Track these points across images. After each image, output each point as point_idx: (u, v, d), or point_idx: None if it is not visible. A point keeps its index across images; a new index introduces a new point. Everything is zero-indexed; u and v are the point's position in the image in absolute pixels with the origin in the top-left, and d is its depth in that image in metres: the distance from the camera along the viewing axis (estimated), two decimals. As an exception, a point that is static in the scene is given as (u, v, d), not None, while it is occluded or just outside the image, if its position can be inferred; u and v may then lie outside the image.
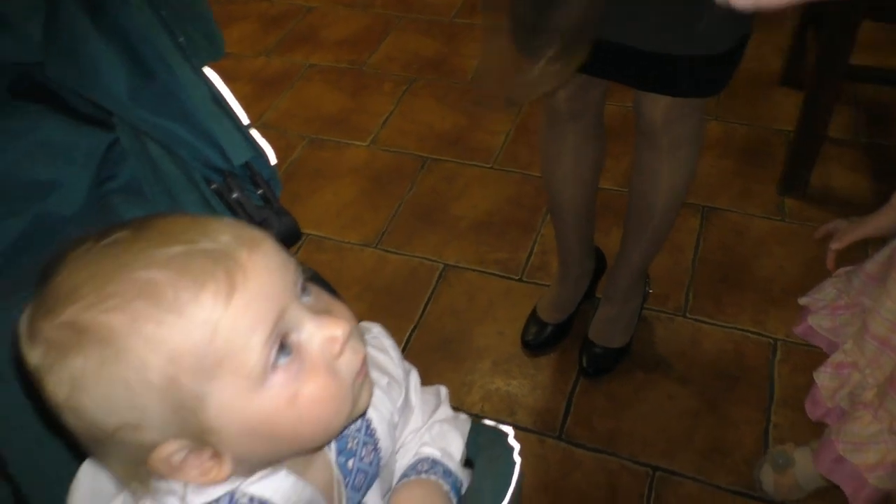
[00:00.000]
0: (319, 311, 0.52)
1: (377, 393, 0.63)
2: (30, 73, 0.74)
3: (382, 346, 0.68)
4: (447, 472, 0.63)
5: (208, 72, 0.70)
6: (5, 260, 0.73)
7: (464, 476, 0.65)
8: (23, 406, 0.68)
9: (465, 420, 0.71)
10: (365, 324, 0.70)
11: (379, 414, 0.63)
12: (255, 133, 0.72)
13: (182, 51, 0.68)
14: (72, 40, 0.69)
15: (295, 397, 0.49)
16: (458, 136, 2.21)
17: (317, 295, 0.55)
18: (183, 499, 0.52)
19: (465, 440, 0.68)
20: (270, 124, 2.30)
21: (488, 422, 0.72)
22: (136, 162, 0.77)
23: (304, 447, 0.54)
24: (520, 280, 1.78)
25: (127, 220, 0.55)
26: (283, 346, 0.49)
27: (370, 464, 0.62)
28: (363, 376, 0.54)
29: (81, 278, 0.48)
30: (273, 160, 0.74)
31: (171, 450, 0.48)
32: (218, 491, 0.52)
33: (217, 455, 0.50)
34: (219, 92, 0.70)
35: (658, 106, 1.20)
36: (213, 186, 0.73)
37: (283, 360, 0.49)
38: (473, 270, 1.82)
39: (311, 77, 2.50)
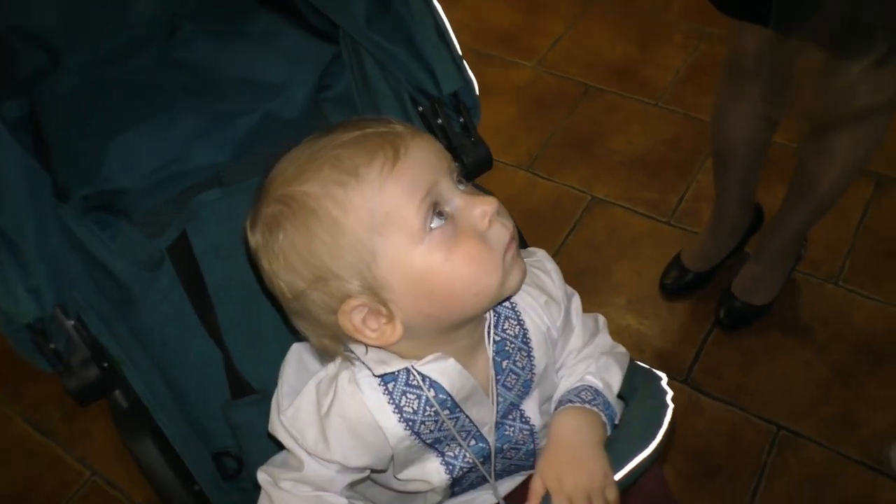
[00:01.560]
0: (470, 194, 0.61)
1: (535, 307, 0.70)
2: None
3: (545, 268, 0.75)
4: (606, 405, 0.69)
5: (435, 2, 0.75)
6: (240, 148, 0.84)
7: (618, 409, 0.71)
8: (240, 281, 0.81)
9: (624, 354, 0.76)
10: (531, 248, 0.76)
11: (535, 326, 0.70)
12: (465, 64, 0.77)
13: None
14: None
15: (450, 254, 0.58)
16: (627, 67, 2.16)
17: (470, 189, 0.64)
18: (370, 367, 0.62)
19: (624, 373, 0.73)
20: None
21: (642, 364, 0.77)
22: (351, 75, 0.84)
23: (462, 312, 0.61)
24: (667, 223, 1.78)
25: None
26: (439, 213, 0.58)
27: (522, 368, 0.69)
28: (512, 252, 0.61)
29: (286, 164, 0.62)
30: (476, 90, 0.79)
31: (355, 304, 0.59)
32: (396, 364, 0.62)
33: (391, 317, 0.60)
34: (443, 23, 0.75)
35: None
36: (420, 109, 0.80)
37: (437, 223, 0.58)
38: (620, 206, 1.82)
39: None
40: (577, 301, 0.76)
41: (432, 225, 0.58)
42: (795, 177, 1.38)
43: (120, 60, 0.77)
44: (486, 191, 0.76)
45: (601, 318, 0.79)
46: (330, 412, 0.62)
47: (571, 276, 1.76)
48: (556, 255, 1.75)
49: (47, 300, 0.65)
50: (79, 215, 0.73)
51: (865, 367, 1.48)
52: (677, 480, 1.37)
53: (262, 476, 0.67)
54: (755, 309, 1.55)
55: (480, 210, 0.59)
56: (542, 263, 0.74)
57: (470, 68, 0.77)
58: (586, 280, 1.70)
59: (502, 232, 0.60)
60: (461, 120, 0.78)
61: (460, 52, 0.77)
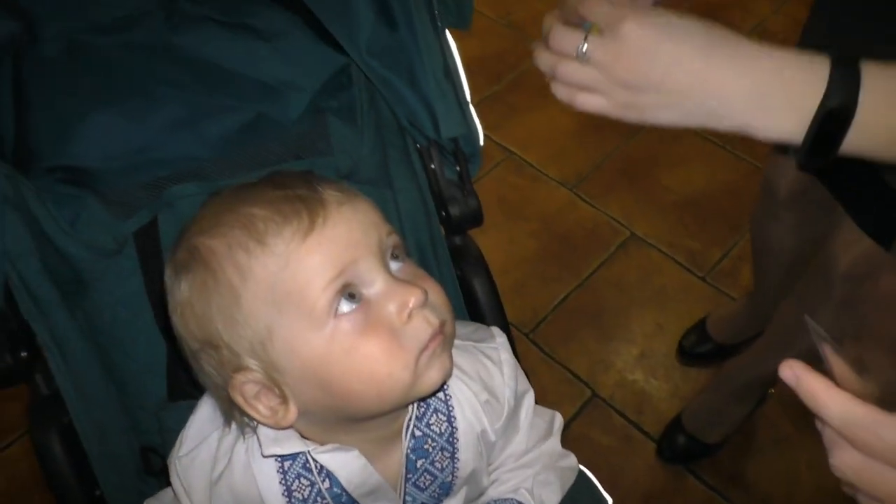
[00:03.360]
0: (401, 279, 0.53)
1: (474, 404, 0.62)
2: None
3: (497, 359, 0.66)
4: None
5: (448, 38, 0.68)
6: (225, 145, 0.78)
7: None
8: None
9: (571, 470, 0.69)
10: (493, 330, 0.69)
11: (468, 425, 0.63)
12: (472, 110, 0.70)
13: (431, 9, 0.66)
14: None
15: (351, 349, 0.51)
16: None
17: (411, 268, 0.56)
18: (261, 443, 0.57)
19: (565, 493, 0.66)
20: (515, 24, 2.23)
21: (595, 481, 0.70)
22: (358, 90, 0.77)
23: (364, 409, 0.55)
24: (703, 279, 1.66)
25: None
26: (352, 295, 0.51)
27: (442, 470, 0.63)
28: (433, 351, 0.53)
29: (208, 211, 0.56)
30: (481, 141, 0.71)
31: (245, 378, 0.53)
32: (291, 447, 0.56)
33: (284, 399, 0.54)
34: (452, 62, 0.68)
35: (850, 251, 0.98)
36: (418, 145, 0.73)
37: (346, 308, 0.51)
38: (658, 250, 1.72)
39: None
40: (529, 399, 0.68)
41: (341, 310, 0.51)
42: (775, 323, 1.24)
43: (110, 32, 0.72)
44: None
45: (558, 419, 0.71)
46: (220, 480, 0.58)
47: (589, 315, 1.68)
48: (579, 287, 1.66)
49: None
50: (38, 192, 0.69)
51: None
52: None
53: None
54: (705, 447, 1.38)
55: (398, 302, 0.51)
56: (496, 353, 0.66)
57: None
58: (603, 320, 1.61)
59: (422, 329, 0.52)
60: (457, 168, 0.71)
61: (468, 97, 0.69)
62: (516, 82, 2.03)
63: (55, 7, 0.66)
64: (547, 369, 1.52)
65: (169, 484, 0.82)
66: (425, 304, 0.52)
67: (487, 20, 2.20)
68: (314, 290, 0.50)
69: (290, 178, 0.55)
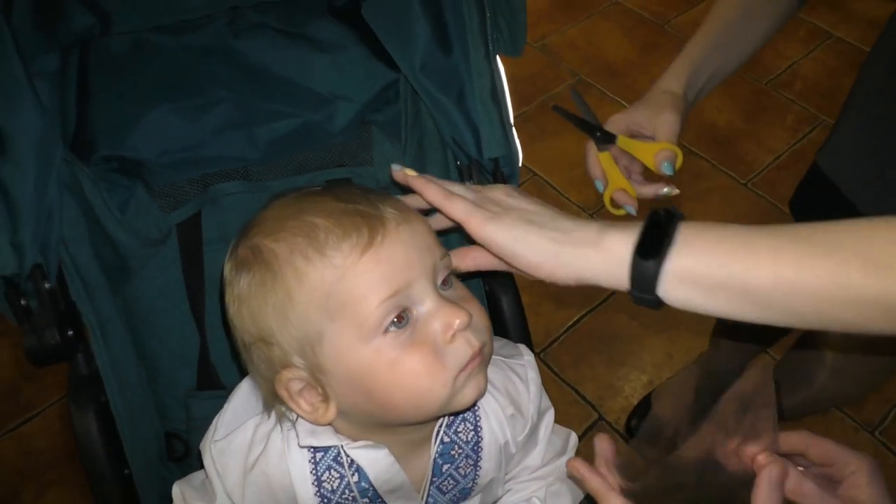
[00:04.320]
0: (450, 299, 0.55)
1: (500, 417, 0.65)
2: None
3: (525, 377, 0.69)
4: None
5: (499, 62, 0.71)
6: (272, 149, 0.81)
7: None
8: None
9: None
10: (520, 347, 0.71)
11: (493, 436, 0.65)
12: (514, 131, 0.72)
13: (484, 34, 0.69)
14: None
15: (395, 363, 0.53)
16: (727, 136, 2.04)
17: (459, 290, 0.58)
18: (298, 434, 0.60)
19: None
20: (549, 48, 2.27)
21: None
22: (404, 106, 0.80)
23: (401, 418, 0.57)
24: (716, 312, 1.68)
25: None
26: (402, 317, 0.53)
27: (464, 476, 0.65)
28: (470, 372, 0.55)
29: (272, 214, 0.58)
30: (520, 161, 0.74)
31: (292, 375, 0.56)
32: (327, 440, 0.59)
33: (326, 398, 0.56)
34: (500, 85, 0.70)
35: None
36: (458, 162, 0.75)
37: (394, 328, 0.53)
38: (674, 280, 1.73)
39: (609, 14, 2.40)
40: (549, 416, 0.70)
41: (389, 328, 0.53)
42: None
43: (174, 33, 0.75)
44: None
45: (573, 438, 0.73)
46: (255, 466, 0.60)
47: (601, 339, 1.70)
48: (592, 311, 1.69)
49: (28, 259, 0.65)
50: (94, 179, 0.72)
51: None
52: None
53: (176, 490, 0.66)
54: None
55: (444, 323, 0.54)
56: (523, 371, 0.68)
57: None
58: (614, 346, 1.63)
59: (464, 350, 0.54)
60: (496, 187, 0.74)
61: (512, 119, 0.72)
62: (546, 105, 2.06)
63: (131, 7, 0.69)
64: (556, 389, 1.54)
65: (189, 470, 0.85)
66: (469, 325, 0.54)
67: (520, 42, 2.25)
68: (368, 306, 0.52)
69: (353, 192, 0.58)
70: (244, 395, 0.66)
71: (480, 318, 0.57)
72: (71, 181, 0.71)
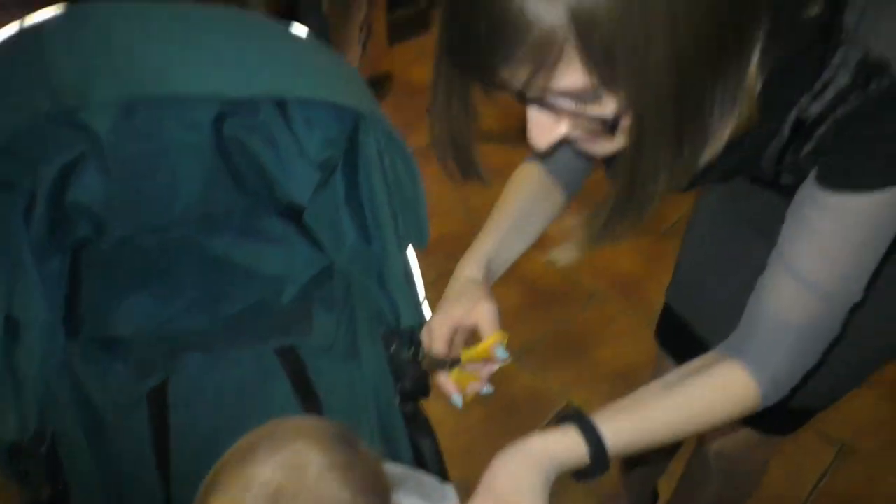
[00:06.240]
0: None
1: None
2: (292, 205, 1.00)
3: None
4: None
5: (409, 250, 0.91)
6: (229, 321, 0.99)
7: None
8: (199, 436, 0.92)
9: None
10: (448, 488, 0.82)
11: None
12: (426, 306, 0.92)
13: (396, 225, 0.89)
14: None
15: None
16: (633, 280, 2.30)
17: None
18: None
19: None
20: (472, 209, 2.54)
21: None
22: (338, 285, 1.00)
23: None
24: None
25: None
26: None
27: None
28: None
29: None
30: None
31: None
32: None
33: None
34: (409, 268, 0.90)
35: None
36: (381, 331, 0.94)
37: None
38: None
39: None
40: None
41: None
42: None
43: (155, 230, 0.95)
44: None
45: None
46: None
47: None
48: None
49: (29, 425, 0.78)
50: (84, 356, 0.87)
51: None
52: None
53: None
54: None
55: None
56: None
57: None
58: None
59: None
60: (411, 350, 0.92)
61: (423, 295, 0.92)
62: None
63: (123, 217, 0.89)
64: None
65: None
66: None
67: (448, 204, 2.50)
68: None
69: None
70: None
71: None
72: (66, 360, 0.86)
